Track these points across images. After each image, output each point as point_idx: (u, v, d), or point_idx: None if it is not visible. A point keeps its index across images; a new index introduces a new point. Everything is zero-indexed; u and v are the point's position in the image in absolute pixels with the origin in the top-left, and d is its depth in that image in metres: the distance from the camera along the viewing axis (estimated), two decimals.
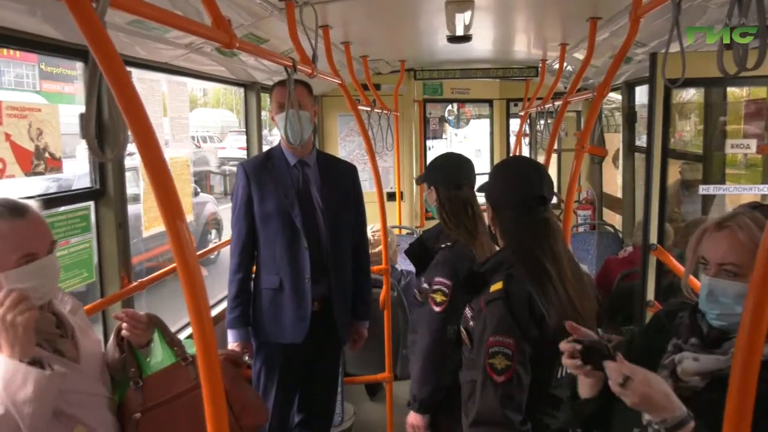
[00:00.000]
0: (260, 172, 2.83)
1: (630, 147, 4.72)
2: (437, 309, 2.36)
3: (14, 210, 1.50)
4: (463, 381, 2.00)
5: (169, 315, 2.45)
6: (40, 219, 1.55)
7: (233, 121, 23.27)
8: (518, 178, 1.93)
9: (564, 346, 1.45)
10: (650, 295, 2.67)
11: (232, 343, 2.83)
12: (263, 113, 4.31)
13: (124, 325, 1.77)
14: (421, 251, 2.60)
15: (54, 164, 2.17)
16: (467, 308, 1.96)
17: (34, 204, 1.56)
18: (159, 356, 1.81)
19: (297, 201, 2.80)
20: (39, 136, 2.09)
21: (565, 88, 5.35)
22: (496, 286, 1.83)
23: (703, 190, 3.08)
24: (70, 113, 2.80)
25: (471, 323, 1.92)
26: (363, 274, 3.08)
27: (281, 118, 2.74)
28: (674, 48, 1.74)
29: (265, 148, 4.13)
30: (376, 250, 4.25)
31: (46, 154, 2.14)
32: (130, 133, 1.16)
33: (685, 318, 1.49)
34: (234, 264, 2.83)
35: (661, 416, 1.28)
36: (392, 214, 5.67)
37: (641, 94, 4.68)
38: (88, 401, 1.60)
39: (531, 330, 1.75)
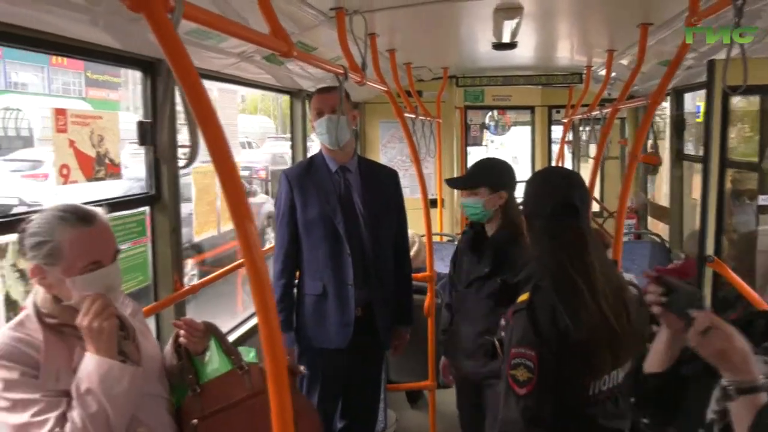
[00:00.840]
0: (303, 179, 2.86)
1: (678, 155, 4.63)
2: None
3: (83, 218, 1.55)
4: (500, 392, 1.98)
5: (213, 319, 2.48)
6: (106, 226, 1.61)
7: (271, 128, 23.61)
8: (548, 187, 1.93)
9: (652, 287, 1.43)
10: (706, 307, 2.61)
11: None
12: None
13: (182, 332, 1.80)
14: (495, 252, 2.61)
15: (113, 170, 2.23)
16: (502, 319, 1.94)
17: (100, 211, 1.61)
18: (216, 363, 1.83)
19: (339, 207, 2.82)
20: (100, 142, 2.16)
21: (609, 94, 5.27)
22: (523, 297, 1.81)
23: (763, 200, 3.00)
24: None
25: (503, 334, 1.90)
26: (404, 280, 3.09)
27: (321, 124, 2.78)
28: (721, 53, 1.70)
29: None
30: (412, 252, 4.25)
31: (107, 160, 2.20)
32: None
33: (761, 324, 1.47)
34: (277, 270, 2.86)
35: (735, 376, 1.26)
36: (433, 221, 5.65)
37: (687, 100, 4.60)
38: (149, 402, 1.64)
39: (553, 343, 1.71)
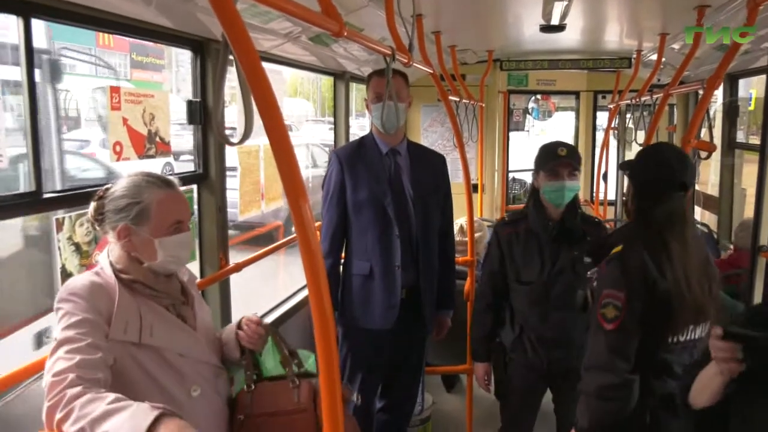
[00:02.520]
0: (353, 160, 2.85)
1: (730, 143, 4.48)
2: None
3: (166, 181, 1.65)
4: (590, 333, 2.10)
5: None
6: (182, 192, 1.70)
7: (310, 111, 23.69)
8: (665, 164, 2.04)
9: (720, 345, 1.41)
10: (758, 298, 2.53)
11: None
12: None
13: (242, 334, 1.82)
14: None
15: (164, 148, 2.27)
16: (592, 272, 2.13)
17: (175, 180, 1.69)
18: (271, 364, 1.85)
19: (389, 189, 2.82)
20: (151, 120, 2.19)
21: (658, 80, 5.12)
22: (616, 249, 2.00)
23: None
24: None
25: (595, 284, 2.08)
26: (448, 263, 3.08)
27: (377, 108, 2.76)
28: None
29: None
30: (463, 239, 4.22)
31: (157, 138, 2.24)
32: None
33: None
34: (324, 250, 2.84)
35: None
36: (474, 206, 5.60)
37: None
38: (201, 368, 1.69)
39: (641, 290, 1.88)
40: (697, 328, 1.95)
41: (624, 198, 2.18)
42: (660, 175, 2.02)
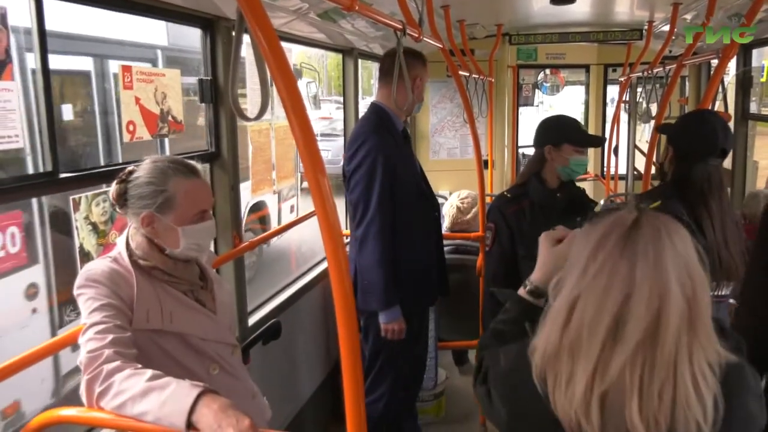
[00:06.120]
0: (388, 142, 2.74)
1: (743, 114, 4.42)
2: None
3: (191, 169, 1.63)
4: None
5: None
6: (206, 179, 1.70)
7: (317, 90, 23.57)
8: (707, 130, 2.11)
9: None
10: None
11: (394, 321, 2.72)
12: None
13: None
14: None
15: (176, 127, 2.27)
16: None
17: (200, 165, 1.68)
18: None
19: (414, 167, 2.83)
20: (163, 99, 2.19)
21: (670, 51, 5.05)
22: (654, 205, 2.03)
23: None
24: None
25: None
26: None
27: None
28: None
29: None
30: (467, 217, 4.22)
31: (169, 117, 2.24)
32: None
33: None
34: (381, 245, 2.62)
35: None
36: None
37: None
38: (220, 348, 1.71)
39: None
40: (722, 287, 2.05)
41: (660, 161, 2.25)
42: (704, 138, 2.09)
